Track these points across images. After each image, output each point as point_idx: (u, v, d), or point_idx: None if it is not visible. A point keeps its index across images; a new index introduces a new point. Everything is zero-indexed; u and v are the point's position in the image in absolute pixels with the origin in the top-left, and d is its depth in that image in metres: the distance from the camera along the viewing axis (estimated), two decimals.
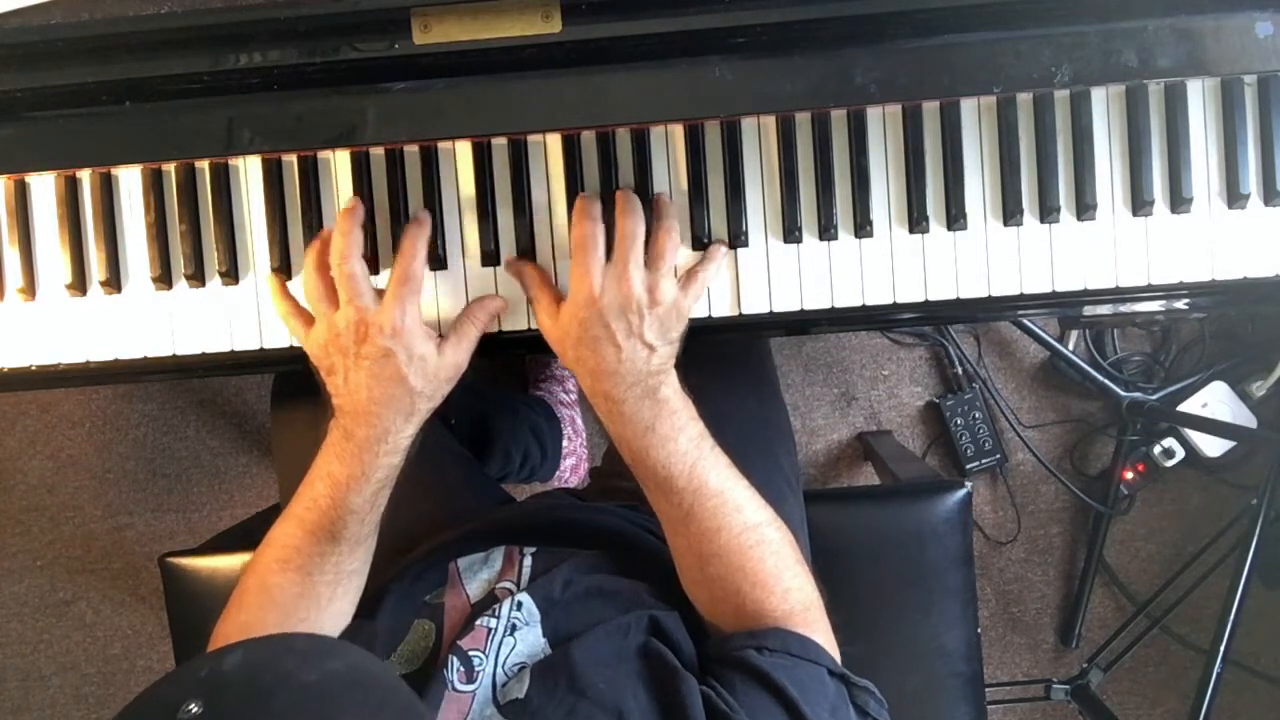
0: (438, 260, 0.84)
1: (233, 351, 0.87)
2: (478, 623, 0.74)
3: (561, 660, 0.69)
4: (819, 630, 0.74)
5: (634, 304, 0.74)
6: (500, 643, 0.72)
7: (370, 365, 0.75)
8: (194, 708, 0.46)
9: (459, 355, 0.79)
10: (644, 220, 0.77)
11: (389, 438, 0.76)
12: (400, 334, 0.74)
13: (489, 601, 0.77)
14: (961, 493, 1.10)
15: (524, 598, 0.76)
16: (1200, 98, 0.82)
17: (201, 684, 0.48)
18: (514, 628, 0.73)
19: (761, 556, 0.74)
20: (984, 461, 1.71)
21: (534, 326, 0.83)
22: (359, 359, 0.75)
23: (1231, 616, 1.33)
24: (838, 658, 0.74)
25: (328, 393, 0.78)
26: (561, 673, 0.67)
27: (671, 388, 0.76)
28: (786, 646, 0.70)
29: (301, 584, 0.78)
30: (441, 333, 0.81)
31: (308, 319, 0.80)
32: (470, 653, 0.71)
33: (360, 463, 0.76)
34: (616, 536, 0.84)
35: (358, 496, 0.77)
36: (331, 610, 0.80)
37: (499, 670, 0.70)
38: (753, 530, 0.74)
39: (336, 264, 0.76)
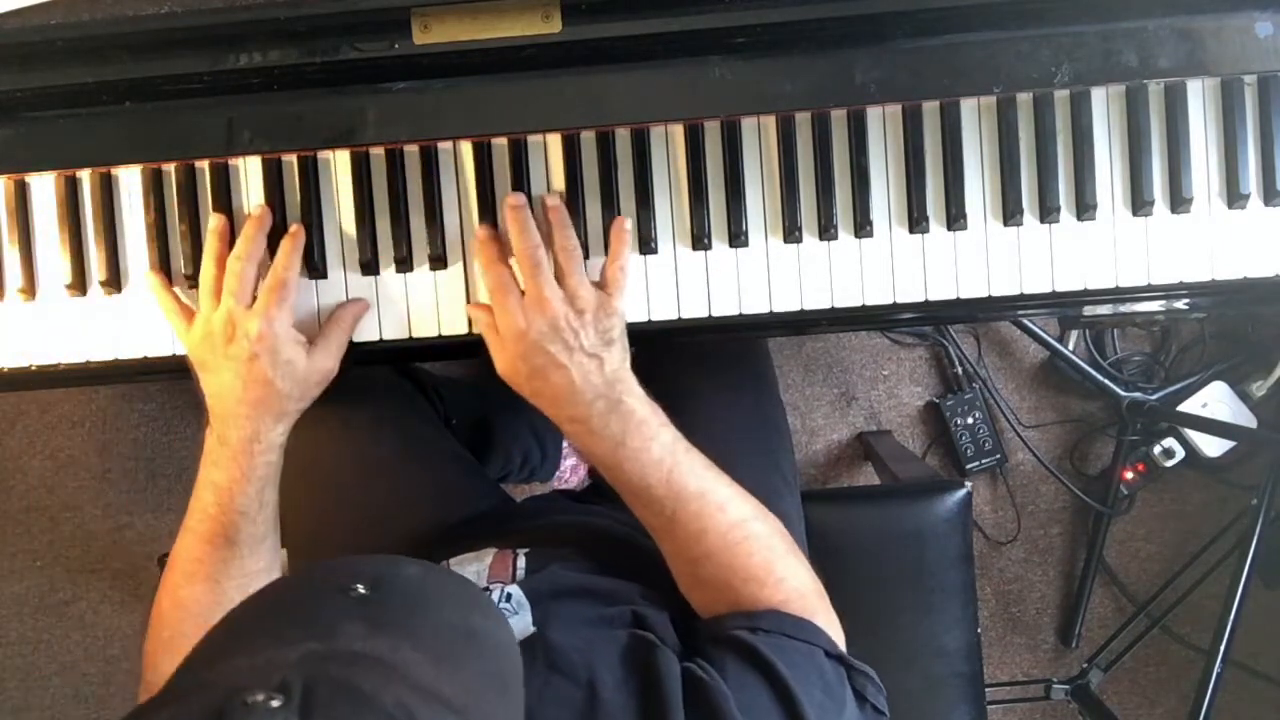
0: (438, 260, 0.84)
1: None
2: None
3: (539, 640, 0.68)
4: (819, 614, 0.73)
5: (561, 321, 0.75)
6: None
7: (236, 366, 0.77)
8: (361, 589, 0.49)
9: (327, 361, 0.81)
10: (538, 238, 0.78)
11: (261, 438, 0.78)
12: (266, 338, 0.77)
13: None
14: (961, 493, 1.10)
15: (514, 589, 0.75)
16: (1200, 98, 0.82)
17: (378, 576, 0.51)
18: None
19: (750, 551, 0.74)
20: (984, 461, 1.71)
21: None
22: (227, 359, 0.78)
23: (1231, 616, 1.33)
24: (841, 642, 0.73)
25: (201, 393, 0.80)
26: (538, 651, 0.66)
27: (635, 396, 0.76)
28: (781, 627, 0.69)
29: (212, 592, 0.79)
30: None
31: (189, 317, 0.82)
32: None
33: (238, 465, 0.78)
34: (607, 537, 0.84)
35: (243, 498, 0.79)
36: None
37: None
38: (738, 527, 0.74)
39: (232, 258, 0.79)
